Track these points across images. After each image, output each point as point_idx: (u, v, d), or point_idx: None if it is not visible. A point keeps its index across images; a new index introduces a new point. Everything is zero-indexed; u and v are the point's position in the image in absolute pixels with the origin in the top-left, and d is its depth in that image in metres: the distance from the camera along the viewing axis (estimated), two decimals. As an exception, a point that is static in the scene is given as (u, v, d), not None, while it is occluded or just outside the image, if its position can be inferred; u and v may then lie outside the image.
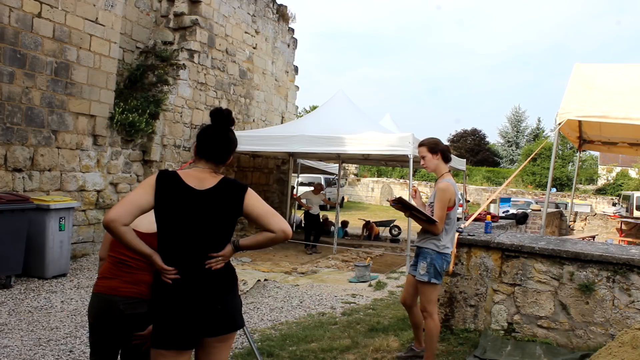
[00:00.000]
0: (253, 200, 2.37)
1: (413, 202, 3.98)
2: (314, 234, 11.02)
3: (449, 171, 3.98)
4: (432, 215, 3.78)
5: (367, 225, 13.79)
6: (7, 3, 6.90)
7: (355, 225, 15.62)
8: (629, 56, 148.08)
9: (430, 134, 4.10)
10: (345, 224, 13.75)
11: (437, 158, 3.90)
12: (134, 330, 2.62)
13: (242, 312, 2.66)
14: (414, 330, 4.17)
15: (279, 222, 2.31)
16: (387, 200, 4.42)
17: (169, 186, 2.28)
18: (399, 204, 3.87)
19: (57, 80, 7.66)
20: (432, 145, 3.92)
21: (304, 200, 11.28)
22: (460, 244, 4.57)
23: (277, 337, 4.78)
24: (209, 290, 2.28)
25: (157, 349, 2.30)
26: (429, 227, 3.81)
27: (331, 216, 13.20)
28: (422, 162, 3.99)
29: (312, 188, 11.68)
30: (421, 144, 3.98)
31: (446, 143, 4.12)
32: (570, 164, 36.25)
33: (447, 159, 3.95)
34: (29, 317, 5.10)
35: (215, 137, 2.37)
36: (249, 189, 2.39)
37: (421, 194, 4.30)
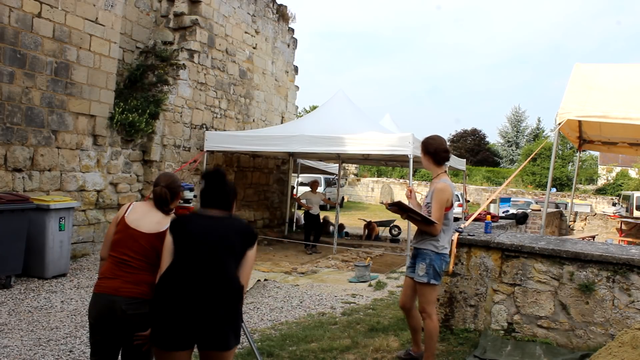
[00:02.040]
0: (254, 251, 2.67)
1: (409, 204, 3.94)
2: (313, 234, 11.02)
3: (445, 171, 3.94)
4: (430, 216, 3.76)
5: (369, 225, 13.79)
6: (7, 3, 6.90)
7: (355, 225, 15.62)
8: (628, 56, 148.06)
9: (430, 133, 4.05)
10: (341, 227, 13.72)
11: (427, 159, 3.89)
12: (135, 331, 2.62)
13: (242, 312, 2.71)
14: (413, 334, 4.14)
15: (246, 282, 2.63)
16: (382, 203, 4.38)
17: (187, 221, 2.65)
18: (396, 206, 3.85)
19: (57, 80, 7.66)
20: (422, 146, 3.92)
21: (303, 201, 11.28)
22: (460, 244, 4.57)
23: (277, 337, 4.78)
24: (211, 302, 2.42)
25: (156, 347, 2.44)
26: (427, 228, 3.78)
27: (331, 216, 13.20)
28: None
29: (309, 188, 11.68)
30: (422, 142, 4.01)
31: (446, 143, 4.08)
32: (570, 164, 36.27)
33: (438, 162, 3.88)
34: (29, 317, 5.10)
35: (214, 193, 2.69)
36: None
37: (417, 194, 4.29)
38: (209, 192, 2.68)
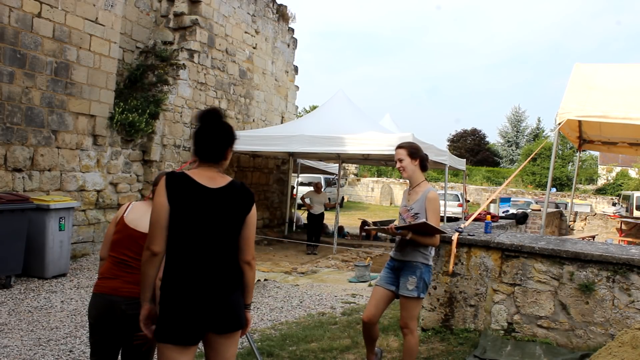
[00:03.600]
0: (254, 213, 2.47)
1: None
2: (315, 234, 11.02)
3: (425, 179, 3.72)
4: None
5: (364, 225, 13.72)
6: (7, 3, 6.90)
7: (355, 225, 15.62)
8: (628, 55, 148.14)
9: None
10: (340, 229, 13.73)
11: (415, 164, 3.62)
12: (135, 331, 2.62)
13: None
14: (369, 344, 3.77)
15: (252, 251, 2.46)
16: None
17: (180, 187, 2.31)
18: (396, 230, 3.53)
19: (57, 80, 7.66)
20: (412, 150, 3.63)
21: (307, 200, 11.27)
22: (460, 244, 4.57)
23: (277, 337, 4.78)
24: (218, 286, 2.31)
25: (163, 343, 2.29)
26: (429, 240, 3.50)
27: (331, 216, 13.20)
28: (397, 164, 3.67)
29: (312, 188, 11.68)
30: (400, 146, 3.68)
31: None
32: (570, 164, 36.27)
33: (424, 168, 3.68)
34: (29, 317, 5.10)
35: (204, 137, 2.39)
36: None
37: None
38: (201, 139, 2.39)
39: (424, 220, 3.47)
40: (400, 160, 3.63)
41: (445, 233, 3.64)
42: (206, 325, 2.30)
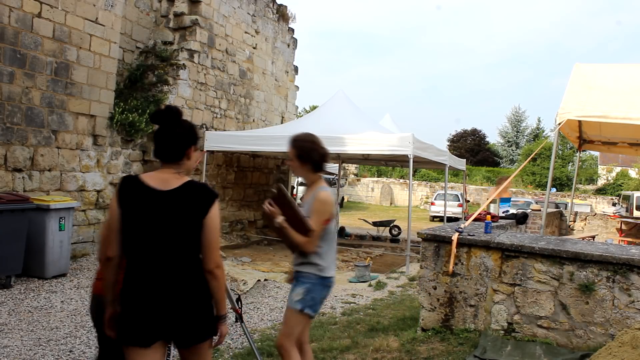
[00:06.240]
0: (215, 216, 2.31)
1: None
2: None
3: (321, 177, 3.20)
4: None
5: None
6: (7, 3, 6.90)
7: (355, 225, 15.63)
8: (627, 54, 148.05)
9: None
10: (342, 229, 13.76)
11: (305, 169, 3.12)
12: None
13: (244, 313, 2.66)
14: None
15: (216, 258, 2.30)
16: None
17: (130, 190, 2.29)
18: (277, 199, 3.01)
19: (57, 80, 7.66)
20: (301, 153, 3.10)
21: None
22: (460, 244, 4.57)
23: (277, 337, 4.78)
24: (170, 292, 2.24)
25: (122, 344, 2.33)
26: (300, 241, 2.98)
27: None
28: (288, 162, 3.29)
29: None
30: (291, 144, 3.16)
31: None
32: (570, 164, 36.28)
33: (318, 169, 3.13)
34: (29, 317, 5.10)
35: (162, 136, 2.33)
36: (217, 200, 2.36)
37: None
38: (159, 139, 2.32)
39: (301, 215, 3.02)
40: (290, 160, 3.18)
41: (310, 237, 2.97)
42: (160, 331, 2.26)
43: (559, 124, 6.45)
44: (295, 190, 15.06)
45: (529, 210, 11.00)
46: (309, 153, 3.10)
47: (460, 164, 12.73)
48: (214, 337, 2.42)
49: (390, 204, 30.56)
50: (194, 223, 2.26)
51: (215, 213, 2.30)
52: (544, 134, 46.20)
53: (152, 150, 2.40)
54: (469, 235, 4.64)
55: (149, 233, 2.25)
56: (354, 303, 6.41)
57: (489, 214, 5.98)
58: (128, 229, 2.27)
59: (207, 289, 2.32)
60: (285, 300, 6.34)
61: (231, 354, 4.37)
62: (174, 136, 2.32)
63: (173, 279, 2.25)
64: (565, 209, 14.15)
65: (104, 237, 2.39)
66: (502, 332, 4.39)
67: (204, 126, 10.96)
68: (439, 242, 4.65)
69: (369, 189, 31.43)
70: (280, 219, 2.97)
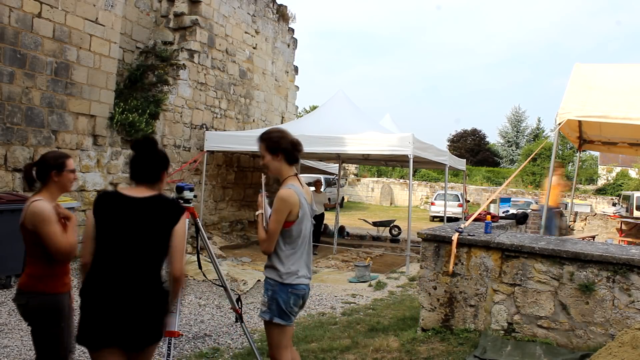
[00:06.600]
0: (183, 226, 2.54)
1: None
2: (315, 234, 11.02)
3: (296, 174, 3.03)
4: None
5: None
6: (7, 3, 6.90)
7: (355, 225, 15.63)
8: (627, 54, 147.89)
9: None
10: (342, 229, 13.77)
11: (278, 160, 2.95)
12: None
13: (244, 313, 2.68)
14: None
15: (181, 265, 2.48)
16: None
17: (107, 200, 2.51)
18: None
19: (57, 80, 7.66)
20: (271, 143, 2.95)
21: None
22: (460, 244, 4.57)
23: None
24: (127, 296, 2.36)
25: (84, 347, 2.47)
26: (259, 238, 2.92)
27: (331, 216, 13.21)
28: (261, 161, 3.06)
29: (313, 188, 11.68)
30: (260, 139, 3.00)
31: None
32: (570, 164, 36.25)
33: (291, 160, 2.98)
34: (29, 317, 5.10)
35: (140, 162, 2.57)
36: (185, 214, 2.62)
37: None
38: (136, 164, 2.55)
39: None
40: (263, 157, 3.01)
41: (266, 237, 2.89)
42: (111, 337, 2.35)
43: (559, 124, 6.45)
44: (295, 190, 15.04)
45: (529, 210, 11.00)
46: (278, 142, 2.96)
47: (460, 164, 12.73)
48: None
49: (390, 204, 30.56)
50: (164, 229, 2.46)
51: (183, 224, 2.53)
52: (544, 134, 46.22)
53: (129, 173, 2.58)
54: (469, 235, 4.64)
55: (121, 235, 2.42)
56: (354, 303, 6.41)
57: (489, 214, 5.98)
58: (101, 233, 2.45)
59: (163, 295, 2.47)
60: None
61: (231, 354, 4.37)
62: (152, 163, 2.57)
63: (132, 284, 2.38)
64: (565, 209, 14.15)
65: (83, 244, 2.59)
66: (502, 332, 4.39)
67: (204, 126, 10.96)
68: (439, 242, 4.65)
69: (369, 189, 31.43)
70: (257, 212, 2.98)
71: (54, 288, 2.70)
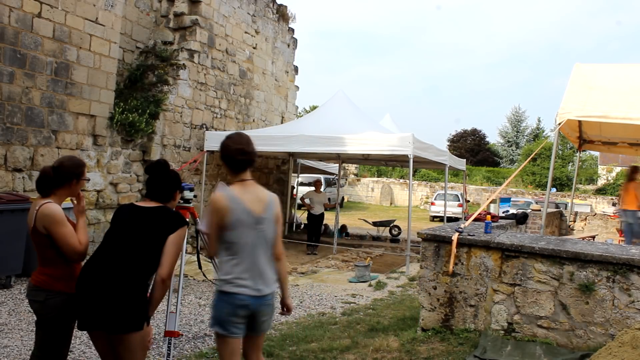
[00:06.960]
0: (180, 237, 2.76)
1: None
2: (315, 234, 11.01)
3: (243, 180, 2.80)
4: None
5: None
6: (7, 3, 6.90)
7: (355, 225, 15.63)
8: (626, 54, 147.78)
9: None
10: (343, 227, 13.78)
11: (225, 167, 2.87)
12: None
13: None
14: None
15: (169, 270, 2.68)
16: None
17: (120, 210, 2.86)
18: None
19: (57, 80, 7.66)
20: (220, 151, 2.85)
21: (307, 200, 11.26)
22: (460, 244, 4.57)
23: (277, 337, 4.78)
24: (111, 286, 2.59)
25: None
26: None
27: (331, 216, 13.22)
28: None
29: (313, 188, 11.68)
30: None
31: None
32: (570, 164, 36.27)
33: (235, 167, 2.80)
34: (29, 317, 5.10)
35: (154, 183, 2.88)
36: (185, 227, 2.82)
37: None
38: (149, 183, 2.89)
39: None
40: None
41: (201, 233, 2.98)
42: (96, 319, 2.60)
43: (559, 124, 6.45)
44: (295, 190, 15.06)
45: (529, 210, 11.00)
46: (222, 151, 2.82)
47: (460, 164, 12.73)
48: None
49: (390, 204, 30.56)
50: (158, 235, 2.68)
51: (180, 235, 2.74)
52: (544, 134, 46.23)
53: (144, 193, 2.82)
54: (469, 235, 4.64)
55: (118, 235, 2.71)
56: (354, 303, 6.41)
57: (489, 213, 5.98)
58: (106, 234, 2.76)
59: (144, 292, 2.69)
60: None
61: (231, 354, 4.37)
62: (164, 183, 2.89)
63: (117, 276, 2.60)
64: (565, 209, 14.15)
65: None
66: (502, 332, 4.39)
67: (204, 126, 10.97)
68: (439, 242, 4.65)
69: (369, 189, 31.43)
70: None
71: (71, 288, 2.73)
